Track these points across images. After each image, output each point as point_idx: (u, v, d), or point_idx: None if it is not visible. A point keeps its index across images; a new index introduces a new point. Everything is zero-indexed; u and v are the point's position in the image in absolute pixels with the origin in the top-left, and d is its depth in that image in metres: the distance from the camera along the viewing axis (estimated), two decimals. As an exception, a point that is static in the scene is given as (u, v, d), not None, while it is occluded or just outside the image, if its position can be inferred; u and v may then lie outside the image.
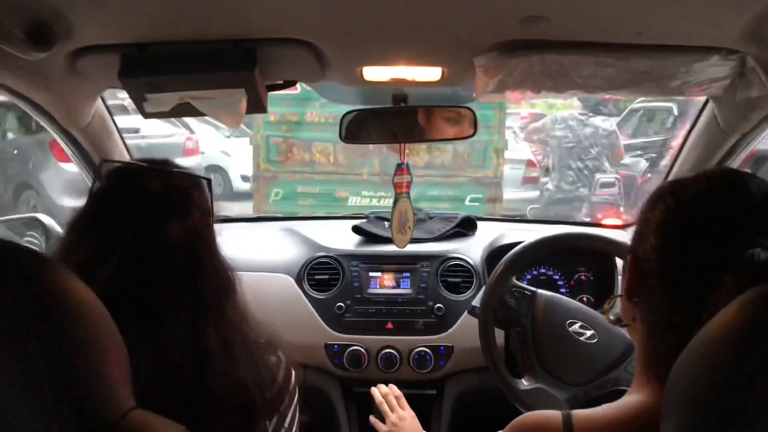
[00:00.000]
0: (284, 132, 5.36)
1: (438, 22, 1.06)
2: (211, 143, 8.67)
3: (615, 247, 1.57)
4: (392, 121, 1.55)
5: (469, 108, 1.55)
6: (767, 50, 1.07)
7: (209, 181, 0.97)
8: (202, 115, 1.30)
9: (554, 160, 4.92)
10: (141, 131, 6.19)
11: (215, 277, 0.91)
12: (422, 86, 1.40)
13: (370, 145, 5.15)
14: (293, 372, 1.03)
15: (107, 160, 1.06)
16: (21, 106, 1.32)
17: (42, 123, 1.40)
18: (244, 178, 7.86)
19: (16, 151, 6.93)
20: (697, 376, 0.55)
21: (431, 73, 1.33)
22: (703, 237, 0.74)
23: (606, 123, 4.90)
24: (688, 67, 1.17)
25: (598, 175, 4.75)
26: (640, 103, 8.37)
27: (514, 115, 10.80)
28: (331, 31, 1.12)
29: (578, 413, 0.81)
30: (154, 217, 0.88)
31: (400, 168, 1.62)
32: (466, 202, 5.43)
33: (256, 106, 1.28)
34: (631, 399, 0.81)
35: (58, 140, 1.48)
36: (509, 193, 6.27)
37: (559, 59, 1.20)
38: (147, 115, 1.28)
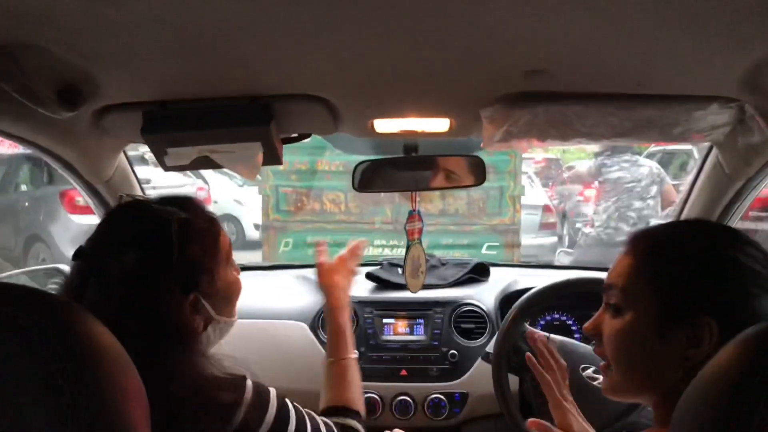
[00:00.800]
0: (294, 181, 5.36)
1: (444, 77, 1.11)
2: (224, 192, 8.78)
3: None
4: (404, 169, 1.59)
5: (478, 156, 1.59)
6: (764, 98, 1.10)
7: (185, 220, 0.97)
8: (221, 167, 1.35)
9: (606, 202, 4.75)
10: (152, 182, 6.27)
11: (158, 322, 0.91)
12: (432, 137, 1.45)
13: (382, 194, 5.20)
14: (266, 402, 1.02)
15: (124, 194, 1.10)
16: (47, 161, 1.37)
17: (66, 177, 1.45)
18: (257, 227, 7.91)
19: (27, 204, 7.00)
20: (699, 413, 0.57)
21: (439, 125, 1.38)
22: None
23: (654, 163, 4.86)
24: (688, 115, 1.20)
25: (653, 221, 4.58)
26: (658, 146, 8.28)
27: (528, 161, 10.83)
28: (343, 87, 1.17)
29: None
30: (113, 244, 0.93)
31: (412, 215, 1.66)
32: (483, 251, 5.34)
33: (272, 158, 1.33)
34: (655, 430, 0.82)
35: (82, 193, 1.54)
36: (526, 240, 6.17)
37: (563, 110, 1.24)
38: (168, 169, 1.33)
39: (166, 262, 0.94)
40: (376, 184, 1.60)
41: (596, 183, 4.94)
